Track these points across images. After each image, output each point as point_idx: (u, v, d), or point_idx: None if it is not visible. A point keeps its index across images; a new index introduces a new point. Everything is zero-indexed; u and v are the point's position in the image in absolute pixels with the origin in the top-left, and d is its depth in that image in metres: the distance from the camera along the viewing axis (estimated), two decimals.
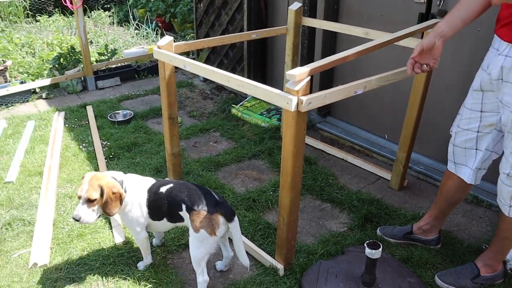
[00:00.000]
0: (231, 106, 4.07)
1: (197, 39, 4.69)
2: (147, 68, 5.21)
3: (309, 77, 1.59)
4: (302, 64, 3.33)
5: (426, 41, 1.68)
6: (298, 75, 1.55)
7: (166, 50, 2.34)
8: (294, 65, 3.12)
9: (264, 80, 4.19)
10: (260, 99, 4.13)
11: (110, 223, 2.47)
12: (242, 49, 4.02)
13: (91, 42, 6.38)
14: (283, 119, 3.48)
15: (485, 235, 2.39)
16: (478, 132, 1.84)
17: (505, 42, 1.63)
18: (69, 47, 5.11)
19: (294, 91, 1.57)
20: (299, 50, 3.14)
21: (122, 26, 7.75)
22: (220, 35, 4.27)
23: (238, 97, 4.38)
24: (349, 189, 2.79)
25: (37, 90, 4.61)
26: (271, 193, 2.74)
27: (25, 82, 4.50)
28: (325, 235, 2.37)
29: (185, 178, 2.90)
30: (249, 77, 4.07)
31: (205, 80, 4.90)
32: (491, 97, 1.75)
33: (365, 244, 1.78)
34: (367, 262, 1.81)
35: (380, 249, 1.76)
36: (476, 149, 1.87)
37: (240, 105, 4.04)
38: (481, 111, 1.80)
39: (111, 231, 2.40)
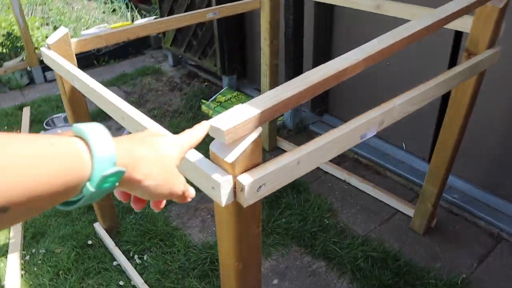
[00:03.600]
0: (201, 101, 3.20)
1: (161, 15, 3.76)
2: (108, 52, 4.29)
3: (259, 129, 0.73)
4: (287, 47, 2.45)
5: None
6: (229, 130, 0.68)
7: (58, 51, 1.46)
8: (273, 54, 2.23)
9: (244, 69, 3.30)
10: (238, 91, 3.25)
11: None
12: (212, 28, 3.11)
13: (47, 24, 5.42)
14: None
15: None
16: None
17: None
18: (9, 30, 4.19)
19: (225, 163, 0.71)
20: (279, 31, 2.24)
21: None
22: (186, 9, 3.33)
23: (212, 87, 3.50)
24: (353, 234, 1.96)
25: None
26: None
27: None
28: None
29: (125, 220, 2.08)
30: (223, 64, 3.17)
31: (176, 65, 4.00)
32: None
33: None
34: None
35: None
36: None
37: (212, 99, 3.17)
38: None
39: None
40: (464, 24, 1.46)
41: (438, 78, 1.14)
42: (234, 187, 0.73)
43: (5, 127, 3.10)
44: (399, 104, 1.01)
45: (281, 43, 2.39)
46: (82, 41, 1.56)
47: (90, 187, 0.38)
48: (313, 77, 0.82)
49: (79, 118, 1.65)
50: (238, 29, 3.13)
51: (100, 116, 3.09)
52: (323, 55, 2.54)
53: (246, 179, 0.71)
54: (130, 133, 0.68)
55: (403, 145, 2.41)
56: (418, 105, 1.07)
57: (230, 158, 0.70)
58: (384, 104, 0.98)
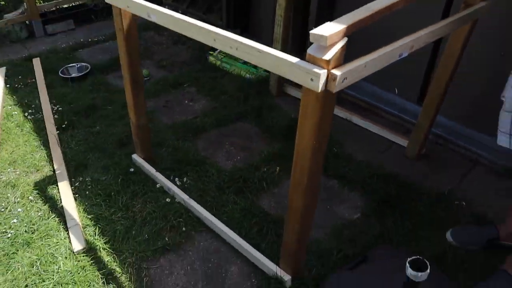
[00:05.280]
0: (208, 53, 3.44)
1: None
2: (106, 8, 4.40)
3: (346, 39, 1.03)
4: (297, 2, 2.71)
5: None
6: (330, 36, 0.99)
7: None
8: (288, 6, 2.50)
9: (247, 23, 3.53)
10: None
11: (65, 222, 1.93)
12: None
13: None
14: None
15: None
16: None
17: None
18: None
19: (322, 61, 1.01)
20: None
21: None
22: None
23: None
24: (359, 160, 2.32)
25: None
26: (265, 170, 2.23)
27: None
28: (337, 225, 1.92)
29: (157, 152, 2.35)
30: (228, 20, 3.40)
31: None
32: None
33: (407, 262, 1.33)
34: (408, 285, 1.37)
35: (428, 270, 1.31)
36: None
37: (219, 51, 3.41)
38: None
39: (68, 234, 1.88)
40: None
41: (449, 19, 1.47)
42: (326, 79, 1.03)
43: (19, 76, 3.24)
44: (424, 34, 1.33)
45: None
46: None
47: None
48: (375, 6, 1.12)
49: (132, 53, 1.89)
50: None
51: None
52: (327, 9, 2.82)
53: (338, 72, 1.02)
54: None
55: (396, 90, 2.77)
56: (434, 37, 1.39)
57: (327, 56, 1.00)
58: (413, 34, 1.30)
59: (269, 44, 1.20)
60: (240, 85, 3.05)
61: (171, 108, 2.87)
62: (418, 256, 1.35)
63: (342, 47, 1.02)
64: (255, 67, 3.18)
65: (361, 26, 1.07)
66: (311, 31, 1.00)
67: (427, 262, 1.33)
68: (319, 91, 1.03)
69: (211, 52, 3.40)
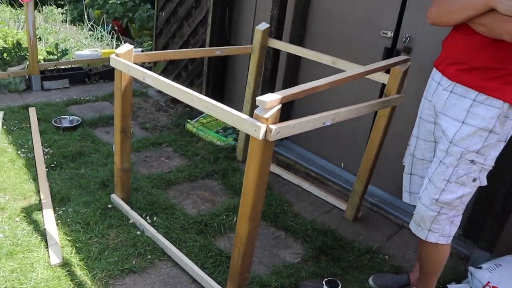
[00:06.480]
0: (186, 121, 3.93)
1: (155, 48, 4.53)
2: (99, 73, 4.95)
3: (280, 105, 1.52)
4: (264, 86, 3.28)
5: None
6: (269, 102, 1.47)
7: (125, 59, 2.19)
8: (256, 86, 3.06)
9: (222, 98, 4.09)
10: None
11: (46, 241, 2.24)
12: (202, 64, 3.91)
13: (40, 39, 6.00)
14: (239, 140, 3.40)
15: None
16: None
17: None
18: (14, 41, 4.75)
19: (263, 118, 1.49)
20: (262, 71, 3.08)
21: (76, 26, 7.39)
22: (181, 47, 4.13)
23: (193, 112, 4.24)
24: (304, 218, 2.74)
25: None
26: (224, 217, 2.62)
27: None
28: (279, 266, 2.29)
29: (133, 195, 2.72)
30: (207, 93, 3.96)
31: (161, 91, 4.72)
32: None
33: (323, 282, 1.72)
34: None
35: (339, 287, 1.70)
36: None
37: (196, 120, 3.91)
38: None
39: (47, 251, 2.18)
40: (384, 79, 2.36)
41: (367, 102, 2.01)
42: (265, 131, 1.49)
43: (15, 121, 3.63)
44: (344, 111, 1.84)
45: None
46: (136, 56, 2.29)
47: None
48: (303, 87, 1.63)
49: (125, 109, 2.34)
50: (222, 67, 3.96)
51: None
52: None
53: (273, 127, 1.49)
54: None
55: (342, 165, 3.28)
56: (353, 115, 1.91)
57: (267, 115, 1.48)
58: (335, 110, 1.81)
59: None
60: (211, 149, 3.51)
61: (149, 162, 3.28)
62: (333, 278, 1.75)
63: (278, 110, 1.50)
64: (225, 136, 3.68)
65: (295, 98, 1.57)
66: (257, 97, 1.48)
67: (339, 282, 1.72)
68: (260, 139, 1.50)
69: (188, 120, 3.89)
